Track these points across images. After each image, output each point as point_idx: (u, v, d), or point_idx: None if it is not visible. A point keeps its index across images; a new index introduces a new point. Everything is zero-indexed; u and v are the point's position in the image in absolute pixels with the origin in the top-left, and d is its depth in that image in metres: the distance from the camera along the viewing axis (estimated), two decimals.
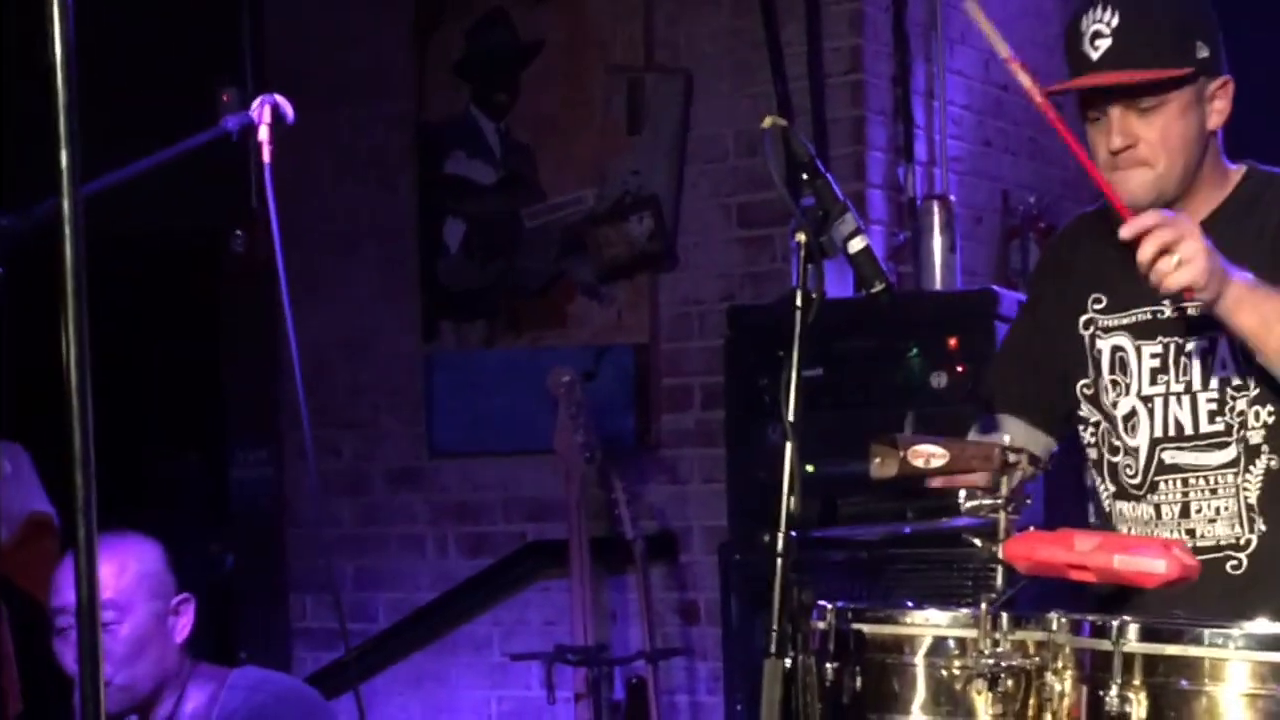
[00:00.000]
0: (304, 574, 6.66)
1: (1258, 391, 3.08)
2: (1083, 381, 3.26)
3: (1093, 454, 3.28)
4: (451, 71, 6.43)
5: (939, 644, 2.83)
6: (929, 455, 2.82)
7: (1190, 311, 3.09)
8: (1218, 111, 3.10)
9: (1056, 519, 3.70)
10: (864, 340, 5.11)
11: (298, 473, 6.58)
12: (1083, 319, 3.24)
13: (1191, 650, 2.59)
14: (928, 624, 2.86)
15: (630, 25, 6.14)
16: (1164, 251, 2.82)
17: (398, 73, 6.51)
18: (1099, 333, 3.23)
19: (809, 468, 4.87)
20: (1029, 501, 2.85)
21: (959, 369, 4.96)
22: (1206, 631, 2.60)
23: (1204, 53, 3.05)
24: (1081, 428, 3.29)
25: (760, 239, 5.89)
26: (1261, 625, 2.67)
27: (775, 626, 2.76)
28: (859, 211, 5.62)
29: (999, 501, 2.79)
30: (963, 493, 2.80)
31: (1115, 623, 2.62)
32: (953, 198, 5.79)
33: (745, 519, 5.28)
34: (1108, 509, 3.27)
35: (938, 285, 5.65)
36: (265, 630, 6.67)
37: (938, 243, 5.62)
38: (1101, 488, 3.28)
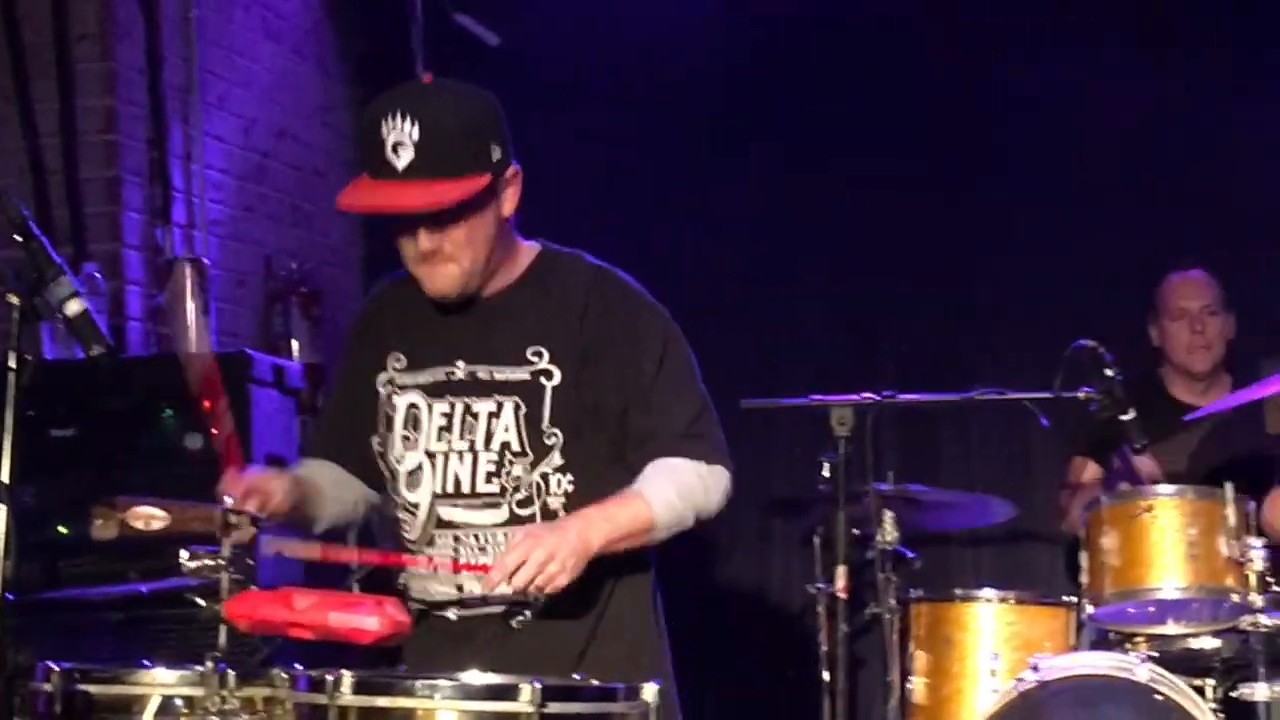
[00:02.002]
0: None
1: (562, 462, 3.25)
2: (374, 438, 3.38)
3: (388, 509, 3.39)
4: None
5: (168, 703, 2.88)
6: (149, 517, 2.87)
7: (481, 376, 3.27)
8: (510, 199, 3.28)
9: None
10: (121, 400, 5.05)
11: None
12: (382, 377, 3.37)
13: (402, 702, 2.70)
14: (155, 683, 2.90)
15: None
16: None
17: None
18: (395, 390, 3.35)
19: (62, 529, 4.84)
20: (252, 562, 2.91)
21: (213, 431, 4.95)
22: (417, 683, 2.72)
23: (497, 154, 3.22)
24: (384, 483, 3.40)
25: None
26: (472, 676, 2.81)
27: None
28: (115, 272, 5.61)
29: (220, 562, 2.84)
30: (184, 553, 2.85)
31: (331, 677, 2.71)
32: (208, 260, 5.79)
33: None
34: None
35: (193, 347, 5.63)
36: None
37: (190, 305, 5.62)
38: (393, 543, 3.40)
